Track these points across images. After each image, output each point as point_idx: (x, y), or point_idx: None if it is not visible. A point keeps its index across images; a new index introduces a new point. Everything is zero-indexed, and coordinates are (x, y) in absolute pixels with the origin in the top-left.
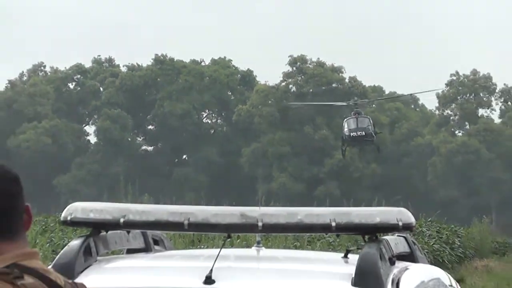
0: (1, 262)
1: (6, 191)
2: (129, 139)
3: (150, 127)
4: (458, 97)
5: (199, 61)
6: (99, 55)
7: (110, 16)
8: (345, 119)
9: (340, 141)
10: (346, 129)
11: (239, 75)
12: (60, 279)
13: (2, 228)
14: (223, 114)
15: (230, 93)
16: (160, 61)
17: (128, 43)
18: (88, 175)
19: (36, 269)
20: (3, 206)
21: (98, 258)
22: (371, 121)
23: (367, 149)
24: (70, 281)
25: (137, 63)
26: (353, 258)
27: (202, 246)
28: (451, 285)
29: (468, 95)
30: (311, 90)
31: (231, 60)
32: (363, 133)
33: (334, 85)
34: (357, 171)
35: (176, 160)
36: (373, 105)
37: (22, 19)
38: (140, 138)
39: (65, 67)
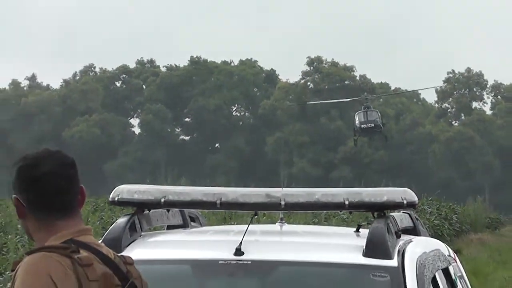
0: (59, 238)
1: (64, 174)
2: (169, 130)
3: (186, 119)
4: (454, 92)
5: (229, 61)
6: (142, 57)
7: (151, 22)
8: (356, 113)
9: (352, 131)
10: (357, 122)
11: (263, 74)
12: (110, 253)
13: (61, 207)
14: (250, 108)
15: (256, 89)
16: (195, 62)
17: (167, 46)
18: (133, 162)
19: (90, 244)
20: (61, 187)
21: (142, 233)
22: (379, 114)
23: (375, 138)
24: (119, 254)
25: (175, 64)
26: (364, 232)
27: (232, 223)
28: (449, 255)
29: (463, 90)
30: (326, 87)
31: (257, 61)
32: (372, 125)
33: (346, 82)
34: (367, 157)
35: (210, 148)
36: (381, 100)
37: (74, 27)
38: (178, 129)
39: (112, 68)
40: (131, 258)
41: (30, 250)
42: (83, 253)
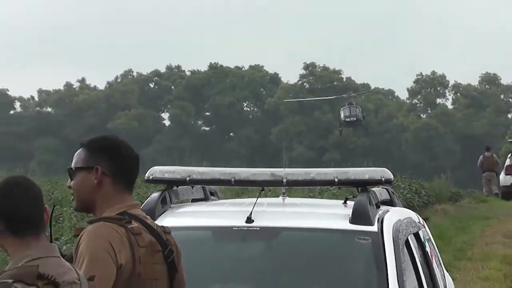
0: (116, 210)
1: (135, 158)
2: (192, 122)
3: (206, 113)
4: (422, 91)
5: (240, 67)
6: (170, 63)
7: (178, 33)
8: (342, 108)
9: (338, 123)
10: (342, 116)
11: (268, 77)
12: (153, 224)
13: (130, 184)
14: (257, 104)
15: (262, 89)
16: (213, 67)
17: (191, 53)
18: (164, 148)
19: (139, 216)
20: (132, 168)
21: (171, 205)
22: (360, 109)
23: (358, 129)
24: (159, 225)
25: (197, 69)
26: (350, 204)
27: (244, 197)
28: (419, 222)
29: (429, 89)
30: (319, 87)
31: (263, 66)
32: (355, 119)
33: (335, 83)
34: (352, 143)
35: (225, 137)
36: (363, 97)
37: (115, 38)
38: (200, 121)
39: (147, 72)
40: (169, 228)
41: (91, 219)
42: (134, 224)
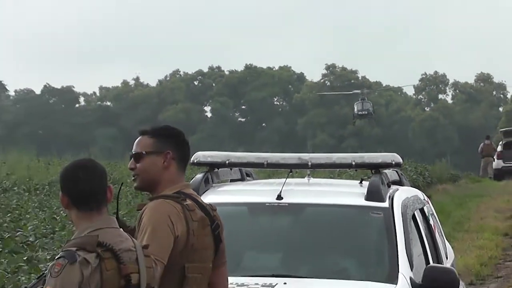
0: (174, 189)
1: (189, 145)
2: (230, 114)
3: (243, 107)
4: (426, 88)
5: (271, 67)
6: (212, 64)
7: (217, 38)
8: (355, 103)
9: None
10: (355, 109)
11: (295, 76)
12: (203, 201)
13: (185, 167)
14: (286, 99)
15: (290, 86)
16: (248, 68)
17: (229, 55)
18: (206, 137)
19: (191, 194)
20: (188, 154)
21: (213, 185)
22: (371, 104)
23: (369, 121)
24: (207, 203)
25: (234, 69)
26: (365, 183)
27: (275, 178)
28: (424, 199)
29: (432, 86)
30: (338, 85)
31: (291, 66)
32: (366, 112)
33: (352, 81)
34: (366, 132)
35: (258, 127)
36: (376, 93)
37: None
38: (237, 114)
39: (192, 72)
40: (215, 206)
41: (152, 197)
42: (188, 201)
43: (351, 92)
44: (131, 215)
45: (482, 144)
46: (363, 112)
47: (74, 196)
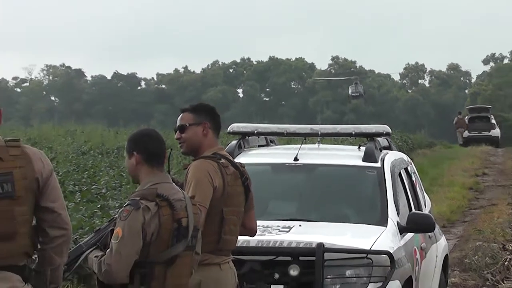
0: (211, 151)
1: (218, 116)
2: (258, 95)
3: (267, 89)
4: (409, 74)
5: (290, 58)
6: (243, 56)
7: (246, 32)
8: (349, 86)
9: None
10: (350, 91)
11: (308, 65)
12: (234, 160)
13: (218, 135)
14: (300, 83)
15: (303, 73)
16: (271, 59)
17: (256, 48)
18: (239, 112)
19: (225, 155)
20: (220, 124)
21: (244, 149)
22: (362, 87)
23: (361, 101)
24: (238, 161)
25: (261, 60)
26: (362, 149)
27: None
28: (408, 161)
29: (413, 73)
30: (341, 72)
31: (304, 58)
32: (358, 94)
33: (352, 69)
34: (362, 109)
35: (279, 105)
36: (370, 78)
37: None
38: (262, 95)
39: (228, 62)
40: (243, 164)
41: (195, 158)
42: (223, 160)
43: (345, 78)
44: (180, 173)
45: (456, 118)
46: (356, 94)
47: (145, 155)
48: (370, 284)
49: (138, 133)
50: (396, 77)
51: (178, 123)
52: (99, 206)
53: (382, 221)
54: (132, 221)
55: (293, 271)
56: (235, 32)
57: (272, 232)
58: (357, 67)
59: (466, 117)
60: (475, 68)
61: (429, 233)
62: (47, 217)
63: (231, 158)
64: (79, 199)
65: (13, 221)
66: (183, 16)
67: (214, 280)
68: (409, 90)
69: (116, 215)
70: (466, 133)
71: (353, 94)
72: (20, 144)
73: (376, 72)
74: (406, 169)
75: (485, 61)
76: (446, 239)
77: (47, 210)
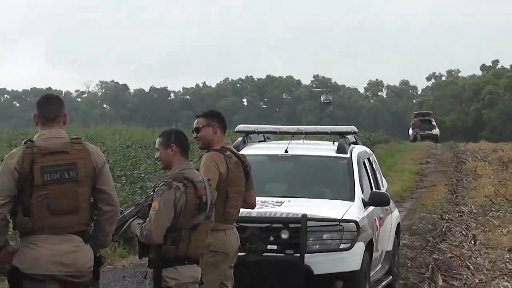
0: (219, 145)
1: (224, 118)
2: (258, 104)
3: (265, 99)
4: (371, 88)
5: (282, 76)
6: (247, 74)
7: (250, 56)
8: (321, 95)
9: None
10: (322, 99)
11: (295, 81)
12: (237, 152)
13: (224, 132)
14: (290, 95)
15: (292, 87)
16: (268, 76)
17: (257, 68)
18: (243, 117)
19: (231, 148)
20: (226, 125)
21: (248, 144)
22: (331, 97)
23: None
24: (241, 153)
25: (260, 77)
26: (336, 143)
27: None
28: (370, 152)
29: (374, 87)
30: (320, 86)
31: (292, 75)
32: (328, 101)
33: (328, 84)
34: (335, 115)
35: (274, 111)
36: (341, 91)
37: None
38: (261, 103)
39: (235, 78)
40: (245, 155)
41: (207, 151)
42: (228, 152)
43: (320, 89)
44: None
45: (412, 120)
46: (327, 101)
47: (180, 147)
48: (341, 244)
49: (173, 131)
50: (361, 90)
51: (194, 126)
52: (139, 186)
53: (350, 197)
54: (166, 197)
55: (284, 235)
56: (241, 56)
57: (268, 206)
58: (332, 82)
59: (415, 119)
60: (420, 83)
61: (386, 207)
62: (100, 197)
63: (235, 150)
64: (124, 181)
65: (77, 199)
66: (203, 43)
67: (221, 241)
68: (371, 100)
69: (152, 193)
70: (413, 132)
71: (324, 101)
72: (81, 141)
73: (346, 86)
74: (368, 159)
75: (428, 78)
76: (399, 211)
77: (100, 191)
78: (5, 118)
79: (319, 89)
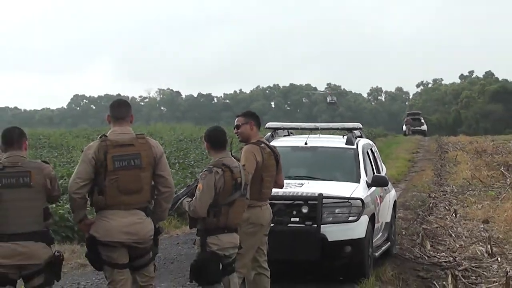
0: (255, 139)
1: (258, 117)
2: (283, 106)
3: (289, 102)
4: (373, 93)
5: (302, 84)
6: (275, 82)
7: (281, 67)
8: (327, 97)
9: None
10: (328, 100)
11: (312, 88)
12: (270, 145)
13: (259, 128)
14: (309, 99)
15: (310, 93)
16: (291, 84)
17: (282, 77)
18: (271, 117)
19: (264, 141)
20: (259, 123)
21: (275, 138)
22: (336, 98)
23: (335, 107)
24: (272, 145)
25: (285, 84)
26: (345, 137)
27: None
28: (372, 144)
29: (375, 92)
30: (333, 92)
31: (310, 83)
32: (333, 102)
33: (338, 90)
34: (344, 115)
35: (296, 112)
36: (349, 95)
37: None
38: (286, 105)
39: (265, 86)
40: (276, 146)
41: (246, 144)
42: (262, 144)
43: (327, 92)
44: (238, 152)
45: (406, 118)
46: (332, 101)
47: (213, 142)
48: (349, 217)
49: (213, 128)
50: (365, 95)
51: (235, 124)
52: (189, 171)
53: (357, 180)
54: (208, 180)
55: (304, 210)
56: (269, 68)
57: (291, 187)
58: (342, 88)
59: (407, 117)
60: (411, 89)
61: (385, 187)
62: (159, 180)
63: (268, 143)
64: (177, 168)
65: (140, 182)
66: (239, 57)
67: (257, 215)
68: (372, 103)
69: (199, 177)
70: (411, 128)
71: (330, 102)
72: (144, 136)
73: (353, 92)
74: (371, 149)
75: (417, 85)
76: (395, 191)
77: (159, 176)
78: (84, 118)
79: (321, 92)
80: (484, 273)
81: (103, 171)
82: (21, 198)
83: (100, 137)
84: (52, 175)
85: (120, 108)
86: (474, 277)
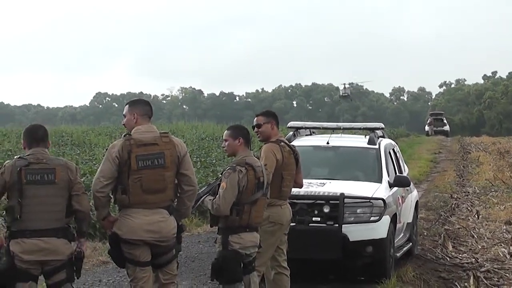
0: (275, 138)
1: (277, 116)
2: (305, 105)
3: (311, 101)
4: (395, 93)
5: (324, 83)
6: (297, 81)
7: (297, 65)
8: (340, 89)
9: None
10: (340, 92)
11: (334, 87)
12: (290, 144)
13: (278, 127)
14: (330, 98)
15: (332, 92)
16: (313, 83)
17: (304, 76)
18: (293, 116)
19: (284, 140)
20: (278, 122)
21: (297, 137)
22: (350, 91)
23: (348, 101)
24: (292, 144)
25: (307, 84)
26: (367, 137)
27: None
28: (394, 144)
29: (397, 92)
30: (354, 91)
31: (332, 83)
32: (346, 94)
33: (360, 90)
34: (367, 114)
35: (318, 111)
36: (371, 95)
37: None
38: (308, 105)
39: (287, 85)
40: (295, 145)
41: (265, 143)
42: (282, 143)
43: (342, 85)
44: (258, 151)
45: (428, 119)
46: (345, 94)
47: (245, 139)
48: (371, 217)
49: (240, 127)
50: (387, 95)
51: (255, 123)
52: (211, 170)
53: (378, 180)
54: (231, 179)
55: (326, 209)
56: (291, 67)
57: (313, 186)
58: (364, 88)
59: (430, 118)
60: (434, 89)
61: (407, 187)
62: (183, 179)
63: (287, 142)
64: (199, 166)
65: (164, 181)
66: (261, 57)
67: (277, 214)
68: (394, 103)
69: (221, 175)
70: (428, 128)
71: (343, 94)
72: (168, 135)
73: (375, 92)
74: (393, 149)
75: (440, 85)
76: (417, 191)
77: (182, 175)
78: (107, 116)
79: (337, 85)
80: (507, 274)
81: (127, 170)
82: (45, 195)
83: (124, 136)
84: (75, 168)
85: (145, 105)
86: (496, 279)
